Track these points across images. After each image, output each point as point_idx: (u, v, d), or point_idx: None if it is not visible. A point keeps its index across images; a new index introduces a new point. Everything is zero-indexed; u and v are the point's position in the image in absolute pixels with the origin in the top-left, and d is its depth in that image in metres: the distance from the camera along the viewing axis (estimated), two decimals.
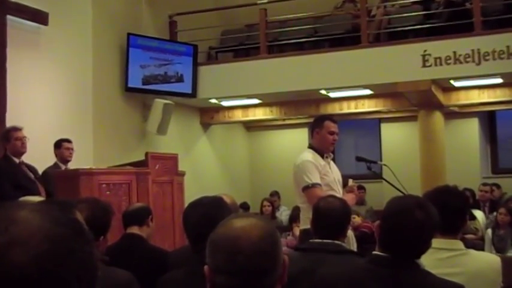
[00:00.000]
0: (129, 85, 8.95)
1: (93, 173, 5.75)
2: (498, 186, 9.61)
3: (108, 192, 5.75)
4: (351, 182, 5.19)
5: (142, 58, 9.13)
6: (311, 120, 5.45)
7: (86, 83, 8.25)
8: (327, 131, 5.03)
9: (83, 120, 8.14)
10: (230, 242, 1.47)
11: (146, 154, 6.36)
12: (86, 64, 8.28)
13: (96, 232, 2.75)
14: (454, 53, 8.30)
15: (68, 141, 6.96)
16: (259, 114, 10.77)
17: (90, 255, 0.95)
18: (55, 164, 6.83)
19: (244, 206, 10.21)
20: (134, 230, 4.24)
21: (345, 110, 10.13)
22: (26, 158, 6.35)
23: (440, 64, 8.37)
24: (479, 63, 8.19)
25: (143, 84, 9.15)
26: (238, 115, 10.88)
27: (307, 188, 4.82)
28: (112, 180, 5.87)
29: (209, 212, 2.74)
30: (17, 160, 6.24)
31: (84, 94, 8.22)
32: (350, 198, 4.76)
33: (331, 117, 5.29)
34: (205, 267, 1.51)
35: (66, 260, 0.91)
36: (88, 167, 6.11)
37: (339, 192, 4.92)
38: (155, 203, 6.02)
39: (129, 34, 8.92)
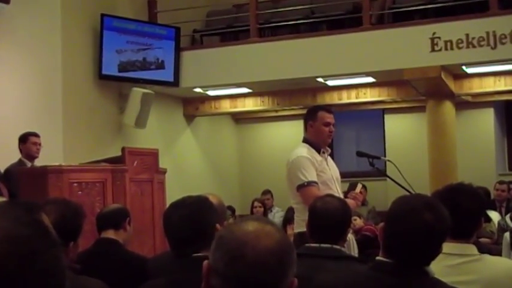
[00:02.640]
0: (104, 72, 8.91)
1: (63, 171, 5.73)
2: None
3: (80, 192, 5.74)
4: (359, 188, 5.21)
5: (118, 42, 9.09)
6: None
7: (54, 70, 8.21)
8: (321, 122, 5.05)
9: (51, 112, 8.10)
10: (235, 243, 1.46)
11: (123, 149, 6.35)
12: (54, 49, 8.23)
13: (65, 237, 2.74)
14: (467, 35, 8.31)
15: (35, 135, 6.93)
16: (249, 104, 10.76)
17: (56, 259, 0.96)
18: (19, 161, 6.80)
19: (230, 209, 10.15)
20: (109, 234, 4.23)
21: (345, 100, 10.13)
22: None
23: (451, 48, 8.38)
24: (495, 47, 8.20)
25: (119, 71, 9.12)
26: (226, 106, 10.87)
27: (303, 187, 4.83)
28: (84, 179, 5.87)
29: (193, 213, 2.74)
30: None
31: (52, 82, 8.18)
32: (350, 203, 4.77)
33: (325, 107, 5.32)
34: (205, 262, 1.51)
35: (29, 262, 0.91)
36: (57, 163, 6.09)
37: (337, 191, 4.93)
38: (133, 204, 6.02)
39: (103, 15, 8.88)
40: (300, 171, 4.86)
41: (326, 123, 5.05)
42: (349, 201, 4.87)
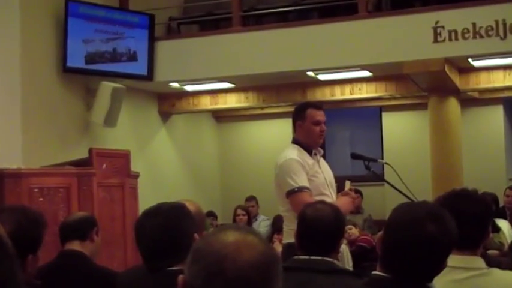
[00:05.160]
0: (68, 64, 8.87)
1: (22, 175, 5.71)
2: None
3: (41, 199, 5.73)
4: (348, 184, 5.20)
5: (85, 31, 9.05)
6: None
7: (12, 61, 8.16)
8: (311, 121, 5.06)
9: (8, 109, 8.06)
10: (214, 257, 1.45)
11: (90, 151, 6.34)
12: (11, 38, 8.18)
13: (23, 249, 2.71)
14: (473, 24, 8.34)
15: None
16: (232, 101, 10.75)
17: (11, 273, 0.94)
18: None
19: (210, 215, 10.16)
20: (74, 246, 4.22)
21: (338, 97, 10.14)
22: None
23: (456, 39, 8.40)
24: (504, 38, 8.23)
25: (86, 63, 9.08)
26: (206, 102, 10.85)
27: (293, 193, 4.83)
28: (46, 184, 5.85)
29: (168, 222, 2.73)
30: None
31: (10, 76, 8.13)
32: (345, 203, 4.77)
33: (314, 104, 5.33)
34: (180, 277, 1.50)
35: None
36: (15, 166, 6.07)
37: (331, 196, 4.93)
38: (101, 211, 6.01)
39: (67, 0, 8.84)
40: (290, 176, 4.87)
41: (316, 122, 5.05)
42: (343, 199, 4.87)
